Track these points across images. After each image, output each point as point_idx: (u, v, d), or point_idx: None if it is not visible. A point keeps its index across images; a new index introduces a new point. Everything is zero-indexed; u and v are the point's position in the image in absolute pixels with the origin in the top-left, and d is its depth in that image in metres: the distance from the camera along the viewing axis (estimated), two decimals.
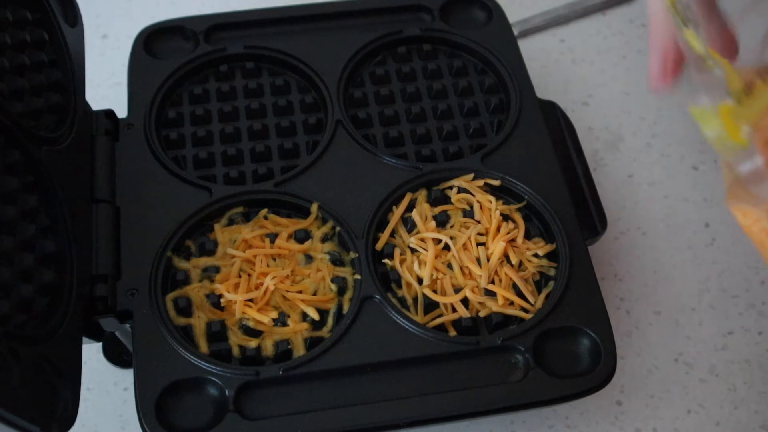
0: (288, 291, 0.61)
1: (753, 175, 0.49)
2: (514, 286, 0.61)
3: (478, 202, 0.65)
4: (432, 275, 0.61)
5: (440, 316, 0.60)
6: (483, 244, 0.63)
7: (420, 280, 0.62)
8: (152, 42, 0.73)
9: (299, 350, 0.59)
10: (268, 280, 0.60)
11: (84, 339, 0.58)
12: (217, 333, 0.59)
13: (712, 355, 0.69)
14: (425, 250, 0.62)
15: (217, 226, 0.64)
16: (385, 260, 0.62)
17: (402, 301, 0.61)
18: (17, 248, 0.53)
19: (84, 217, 0.61)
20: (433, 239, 0.63)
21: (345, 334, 0.58)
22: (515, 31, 0.79)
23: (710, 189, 0.79)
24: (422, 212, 0.65)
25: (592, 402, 0.66)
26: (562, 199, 0.65)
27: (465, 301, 0.61)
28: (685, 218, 0.77)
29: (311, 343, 0.59)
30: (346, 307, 0.60)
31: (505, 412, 0.61)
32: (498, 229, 0.63)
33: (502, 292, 0.60)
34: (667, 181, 0.79)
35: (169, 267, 0.62)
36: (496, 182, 0.66)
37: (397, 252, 0.63)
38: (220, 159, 0.68)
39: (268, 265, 0.62)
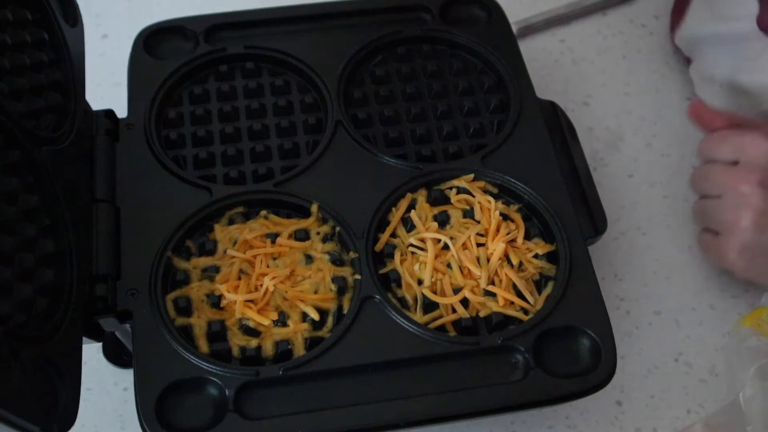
0: (288, 291, 0.60)
1: None
2: (514, 287, 0.61)
3: (478, 202, 0.65)
4: (432, 276, 0.61)
5: (441, 316, 0.60)
6: (483, 244, 0.63)
7: (420, 281, 0.62)
8: (152, 42, 0.73)
9: (299, 350, 0.59)
10: (267, 280, 0.60)
11: (84, 339, 0.58)
12: (217, 333, 0.59)
13: (712, 355, 0.69)
14: (424, 250, 0.62)
15: (217, 226, 0.64)
16: (382, 271, 0.62)
17: (402, 301, 0.61)
18: (17, 248, 0.53)
19: (84, 217, 0.61)
20: (433, 239, 0.63)
21: (345, 334, 0.58)
22: (515, 31, 0.79)
23: None
24: (422, 212, 0.65)
25: (592, 402, 0.66)
26: (562, 199, 0.65)
27: (465, 302, 0.61)
28: (685, 218, 0.77)
29: (311, 343, 0.59)
30: (346, 307, 0.60)
31: (505, 412, 0.61)
32: (498, 230, 0.63)
33: (502, 293, 0.60)
34: (667, 181, 0.79)
35: (169, 267, 0.62)
36: (494, 189, 0.66)
37: (397, 252, 0.63)
38: (220, 159, 0.68)
39: (267, 266, 0.62)
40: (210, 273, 0.62)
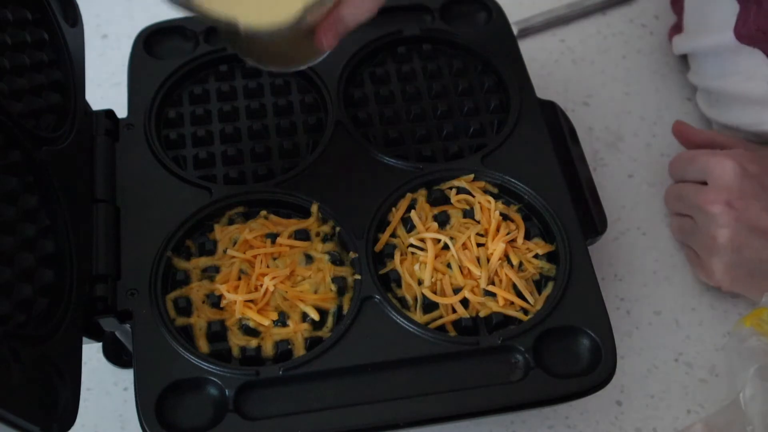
0: (288, 291, 0.60)
1: None
2: (514, 287, 0.61)
3: (478, 202, 0.65)
4: (432, 276, 0.61)
5: (441, 317, 0.60)
6: (483, 244, 0.63)
7: (420, 281, 0.62)
8: (152, 42, 0.73)
9: (299, 350, 0.59)
10: (267, 280, 0.60)
11: (84, 339, 0.58)
12: (217, 333, 0.59)
13: (712, 355, 0.69)
14: (424, 250, 0.62)
15: (217, 226, 0.64)
16: (382, 271, 0.62)
17: (402, 301, 0.61)
18: (17, 248, 0.53)
19: (84, 217, 0.61)
20: (433, 239, 0.63)
21: (345, 334, 0.58)
22: (515, 31, 0.79)
23: None
24: (422, 212, 0.64)
25: (592, 402, 0.66)
26: (562, 199, 0.65)
27: (465, 302, 0.61)
28: None
29: (311, 343, 0.59)
30: (346, 307, 0.60)
31: (505, 412, 0.61)
32: (498, 230, 0.63)
33: (502, 293, 0.60)
34: (667, 181, 0.79)
35: (169, 267, 0.62)
36: (494, 189, 0.66)
37: (397, 252, 0.63)
38: (220, 159, 0.68)
39: (267, 266, 0.62)
40: (210, 273, 0.62)
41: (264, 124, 0.70)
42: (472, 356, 0.58)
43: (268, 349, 0.59)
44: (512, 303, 0.61)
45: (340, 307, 0.61)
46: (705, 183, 0.68)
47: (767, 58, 0.67)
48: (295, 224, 0.64)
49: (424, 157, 0.68)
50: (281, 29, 0.55)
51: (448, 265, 0.62)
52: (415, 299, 0.61)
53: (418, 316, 0.60)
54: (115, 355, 0.67)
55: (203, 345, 0.59)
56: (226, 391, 0.56)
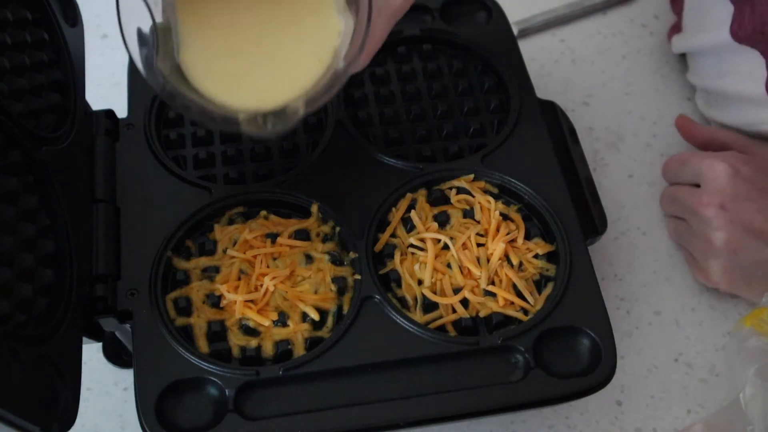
0: (288, 291, 0.60)
1: None
2: (514, 287, 0.61)
3: (478, 202, 0.65)
4: (432, 276, 0.61)
5: (441, 317, 0.60)
6: (483, 245, 0.63)
7: (420, 281, 0.62)
8: None
9: (299, 350, 0.58)
10: (267, 280, 0.60)
11: (84, 339, 0.58)
12: (217, 333, 0.59)
13: (712, 355, 0.69)
14: (424, 250, 0.62)
15: (217, 226, 0.64)
16: (382, 271, 0.62)
17: (402, 301, 0.61)
18: (17, 248, 0.53)
19: (84, 217, 0.61)
20: (433, 239, 0.63)
21: (345, 334, 0.58)
22: (515, 31, 0.79)
23: None
24: (422, 212, 0.65)
25: (592, 402, 0.66)
26: (562, 199, 0.65)
27: (465, 302, 0.61)
28: None
29: (311, 344, 0.59)
30: (346, 308, 0.60)
31: (505, 412, 0.61)
32: (498, 230, 0.63)
33: (502, 293, 0.60)
34: None
35: (169, 267, 0.62)
36: (494, 189, 0.66)
37: (397, 252, 0.63)
38: (220, 159, 0.68)
39: (267, 266, 0.62)
40: (210, 273, 0.62)
41: None
42: (472, 356, 0.58)
43: (268, 349, 0.59)
44: (512, 303, 0.61)
45: (340, 307, 0.61)
46: (698, 185, 0.68)
47: (763, 57, 0.67)
48: (295, 224, 0.64)
49: (424, 157, 0.68)
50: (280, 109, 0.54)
51: (448, 265, 0.62)
52: (415, 299, 0.61)
53: (418, 316, 0.60)
54: (115, 355, 0.67)
55: (203, 345, 0.59)
56: (226, 391, 0.56)
